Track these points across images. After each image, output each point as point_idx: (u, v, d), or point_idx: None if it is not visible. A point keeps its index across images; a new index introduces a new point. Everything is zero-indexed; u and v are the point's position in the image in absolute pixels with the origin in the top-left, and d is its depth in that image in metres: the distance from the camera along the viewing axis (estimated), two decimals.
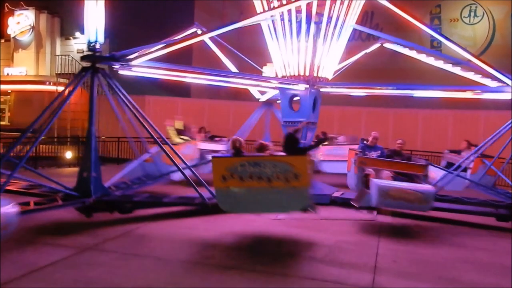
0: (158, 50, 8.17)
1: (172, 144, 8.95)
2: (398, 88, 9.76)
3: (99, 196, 7.22)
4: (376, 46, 11.20)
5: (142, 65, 7.79)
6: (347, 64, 11.68)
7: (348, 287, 4.79)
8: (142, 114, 7.97)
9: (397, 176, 7.49)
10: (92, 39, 7.38)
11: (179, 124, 11.03)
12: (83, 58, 7.63)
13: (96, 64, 7.42)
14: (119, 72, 8.07)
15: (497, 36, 20.92)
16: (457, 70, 9.61)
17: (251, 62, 11.85)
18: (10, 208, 5.27)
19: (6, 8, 24.36)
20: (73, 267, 5.00)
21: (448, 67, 9.83)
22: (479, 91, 8.70)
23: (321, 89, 9.88)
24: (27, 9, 23.84)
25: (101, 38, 7.48)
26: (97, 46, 7.39)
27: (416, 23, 9.43)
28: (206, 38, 10.40)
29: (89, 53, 7.39)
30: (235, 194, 6.02)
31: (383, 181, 7.12)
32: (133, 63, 7.59)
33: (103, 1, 7.49)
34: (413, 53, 10.69)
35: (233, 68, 11.54)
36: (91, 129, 7.38)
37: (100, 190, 7.36)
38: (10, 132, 18.14)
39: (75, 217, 7.29)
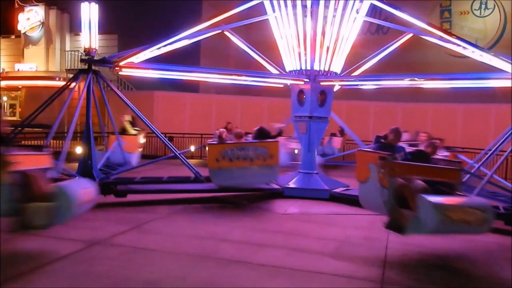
0: (140, 52, 9.05)
1: (130, 134, 10.68)
2: (401, 78, 9.50)
3: (100, 179, 8.15)
4: (408, 36, 10.78)
5: (125, 66, 8.78)
6: (366, 59, 11.40)
7: (358, 281, 4.78)
8: (135, 109, 8.98)
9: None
10: (87, 46, 8.51)
11: (128, 117, 12.11)
12: (81, 61, 8.94)
13: (92, 66, 8.52)
14: (118, 73, 9.17)
15: (508, 29, 20.65)
16: (477, 56, 9.05)
17: (265, 58, 11.81)
18: (93, 185, 5.97)
19: (16, 4, 24.54)
20: (83, 261, 5.04)
21: (469, 52, 9.21)
22: (479, 78, 8.36)
23: (321, 83, 9.73)
24: (37, 5, 24.02)
25: (95, 44, 8.60)
26: (92, 52, 8.54)
27: (413, 21, 9.26)
28: (220, 30, 10.48)
29: (86, 57, 8.66)
30: (225, 171, 7.84)
31: (438, 197, 5.10)
32: (121, 64, 8.64)
33: (97, 13, 8.63)
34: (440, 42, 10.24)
35: (268, 66, 11.35)
36: (89, 122, 8.45)
37: (98, 175, 8.32)
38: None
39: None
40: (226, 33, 10.65)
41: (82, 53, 22.98)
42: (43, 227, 5.05)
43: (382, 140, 6.54)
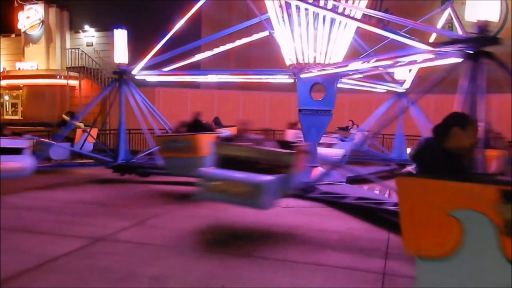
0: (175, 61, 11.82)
1: (78, 128, 12.59)
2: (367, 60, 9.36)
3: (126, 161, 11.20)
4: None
5: (136, 73, 11.36)
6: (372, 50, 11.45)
7: (360, 272, 4.81)
8: (153, 108, 11.67)
9: None
10: (118, 61, 11.19)
11: (66, 114, 13.54)
12: (113, 73, 11.75)
13: (122, 76, 11.15)
14: (135, 77, 11.58)
15: (510, 18, 20.53)
16: None
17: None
18: None
19: (15, 2, 24.53)
20: (88, 257, 5.09)
21: None
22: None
23: (301, 76, 9.66)
24: (36, 3, 23.97)
25: (125, 60, 11.31)
26: (122, 66, 11.11)
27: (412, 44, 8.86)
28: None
29: (118, 70, 11.33)
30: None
31: None
32: (133, 72, 11.25)
33: (126, 36, 11.34)
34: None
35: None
36: (122, 120, 11.30)
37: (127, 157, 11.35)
38: (23, 126, 18.36)
39: (83, 209, 7.43)
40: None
41: (82, 51, 23.08)
42: None
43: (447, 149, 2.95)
